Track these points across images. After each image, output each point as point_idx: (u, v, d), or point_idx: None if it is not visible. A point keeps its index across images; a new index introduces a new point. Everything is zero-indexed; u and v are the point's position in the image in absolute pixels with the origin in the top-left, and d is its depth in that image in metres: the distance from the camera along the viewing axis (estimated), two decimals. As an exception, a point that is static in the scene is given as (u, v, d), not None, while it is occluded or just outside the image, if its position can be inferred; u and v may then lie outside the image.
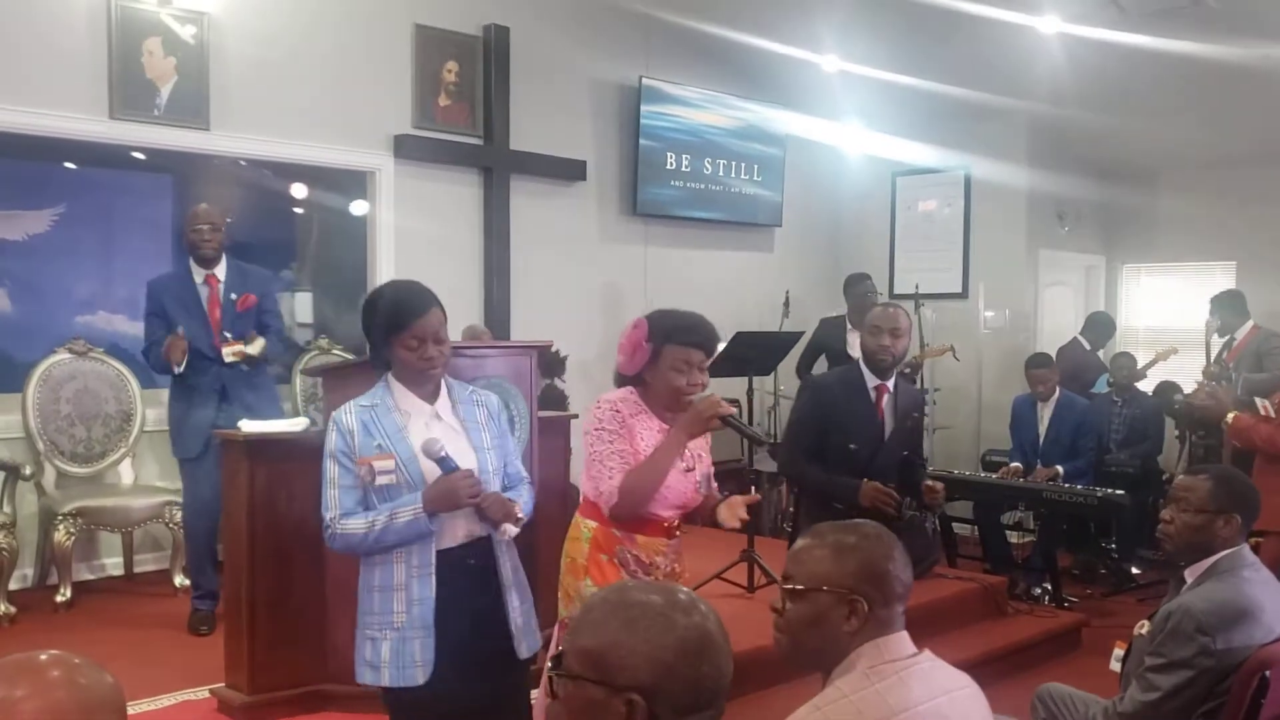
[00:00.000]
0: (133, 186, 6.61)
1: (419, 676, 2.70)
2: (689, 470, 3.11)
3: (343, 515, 2.71)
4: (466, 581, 2.80)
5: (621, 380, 3.17)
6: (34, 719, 1.31)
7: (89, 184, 6.40)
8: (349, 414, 2.76)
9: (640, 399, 3.10)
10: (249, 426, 4.00)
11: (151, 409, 5.94)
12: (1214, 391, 4.98)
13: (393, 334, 2.75)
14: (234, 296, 5.01)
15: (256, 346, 4.94)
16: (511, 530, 2.82)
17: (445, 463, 2.70)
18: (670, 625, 1.48)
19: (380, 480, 2.70)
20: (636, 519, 3.03)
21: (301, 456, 3.36)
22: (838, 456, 3.88)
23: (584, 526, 3.10)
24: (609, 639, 1.49)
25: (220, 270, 5.02)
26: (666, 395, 3.07)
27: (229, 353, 4.92)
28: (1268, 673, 2.67)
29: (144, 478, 5.89)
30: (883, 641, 2.00)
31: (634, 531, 3.05)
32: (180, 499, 5.46)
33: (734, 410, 3.10)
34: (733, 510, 3.13)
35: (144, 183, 6.66)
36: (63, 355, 5.67)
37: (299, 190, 7.51)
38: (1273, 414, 4.56)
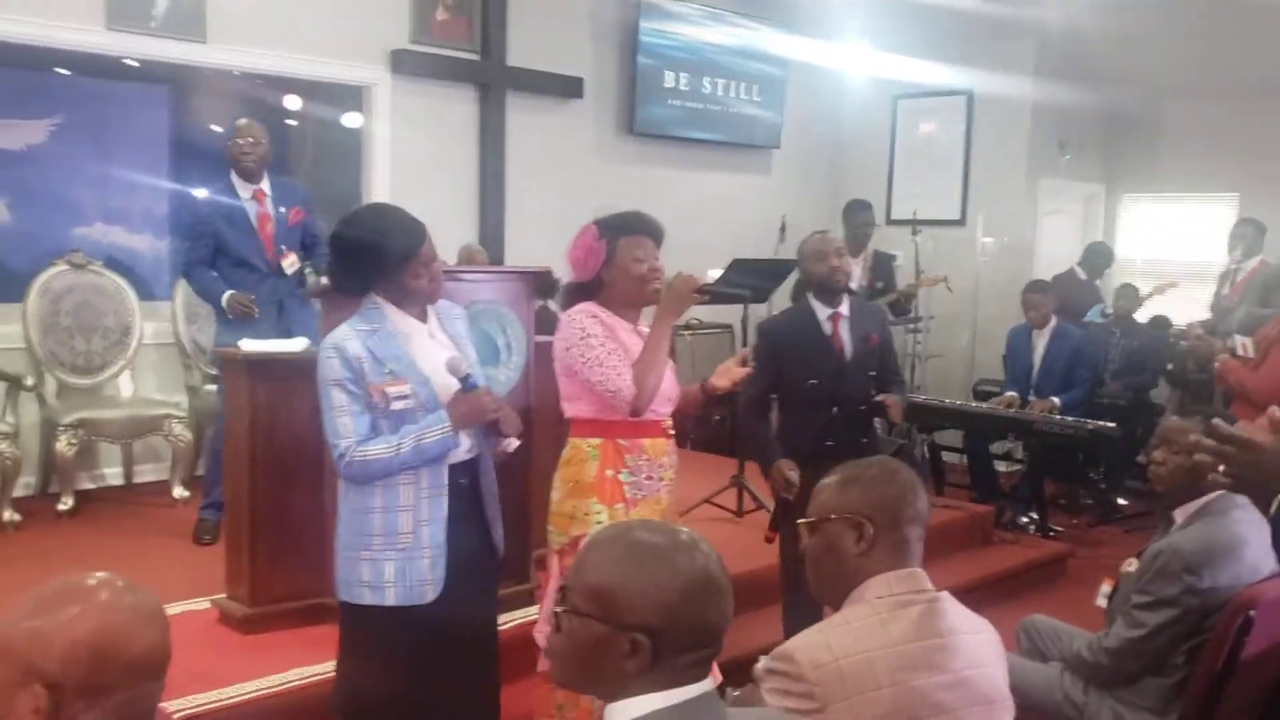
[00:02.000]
0: (129, 97, 6.52)
1: (428, 594, 2.73)
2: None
3: (359, 442, 2.69)
4: (463, 501, 2.84)
5: (574, 293, 3.15)
6: (89, 634, 1.46)
7: (85, 94, 6.31)
8: (352, 340, 2.73)
9: (601, 306, 3.10)
10: (249, 345, 4.01)
11: (150, 322, 5.96)
12: (1203, 335, 5.03)
13: (404, 262, 2.74)
14: (284, 210, 5.01)
15: (289, 264, 5.01)
16: (515, 442, 2.87)
17: (468, 380, 2.73)
18: (676, 566, 1.51)
19: (396, 405, 2.71)
20: (638, 424, 3.06)
21: (301, 375, 3.39)
22: (798, 395, 3.89)
23: (586, 446, 3.08)
24: (617, 578, 1.52)
25: (264, 185, 5.01)
26: (630, 287, 3.08)
27: (288, 265, 4.95)
28: (1251, 612, 2.73)
29: (143, 390, 5.91)
30: (894, 575, 2.07)
31: (638, 437, 3.08)
32: (178, 413, 5.55)
33: (708, 279, 3.12)
34: (722, 374, 3.23)
35: (141, 93, 6.57)
36: (62, 267, 5.65)
37: (293, 104, 7.42)
38: (1250, 354, 4.56)
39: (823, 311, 3.92)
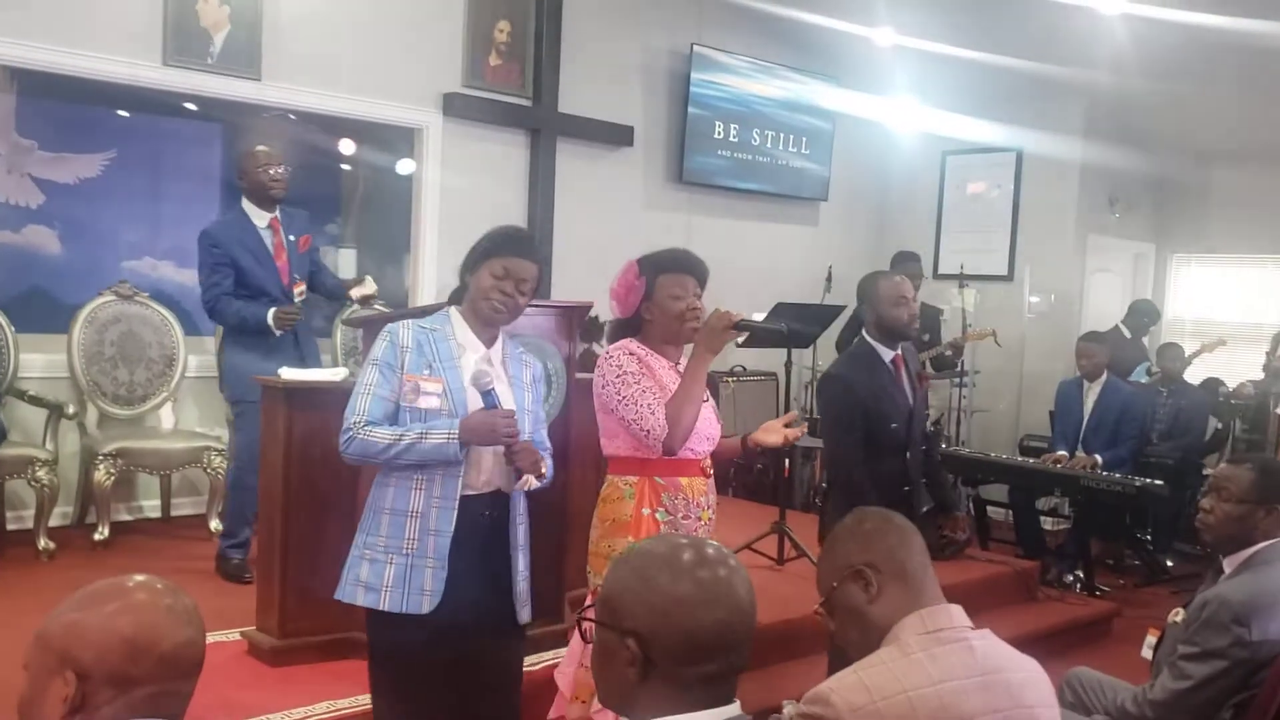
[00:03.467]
0: (183, 134, 6.65)
1: (425, 605, 2.69)
2: (705, 400, 3.12)
3: (367, 423, 2.69)
4: (480, 533, 2.80)
5: (618, 330, 3.15)
6: (124, 627, 1.54)
7: (140, 130, 6.44)
8: (406, 329, 2.76)
9: (642, 344, 3.09)
10: (288, 374, 4.02)
11: (194, 355, 6.00)
12: (1258, 384, 4.93)
13: (487, 257, 2.77)
14: (293, 238, 5.00)
15: (368, 288, 5.01)
16: (534, 483, 2.82)
17: (489, 396, 2.70)
18: (675, 574, 1.52)
19: (424, 402, 2.70)
20: (675, 462, 3.03)
21: (340, 406, 3.37)
22: (880, 439, 3.82)
23: (623, 484, 3.06)
24: (620, 585, 1.56)
25: (278, 213, 5.00)
26: (669, 324, 3.07)
27: (299, 293, 4.93)
28: (1303, 666, 2.64)
29: (184, 423, 5.95)
30: (928, 613, 2.01)
31: (676, 475, 3.05)
32: (218, 445, 5.55)
33: (744, 315, 3.06)
34: (770, 431, 3.19)
35: (194, 130, 6.70)
36: (108, 297, 5.72)
37: (346, 145, 7.53)
38: None
39: (885, 354, 3.87)
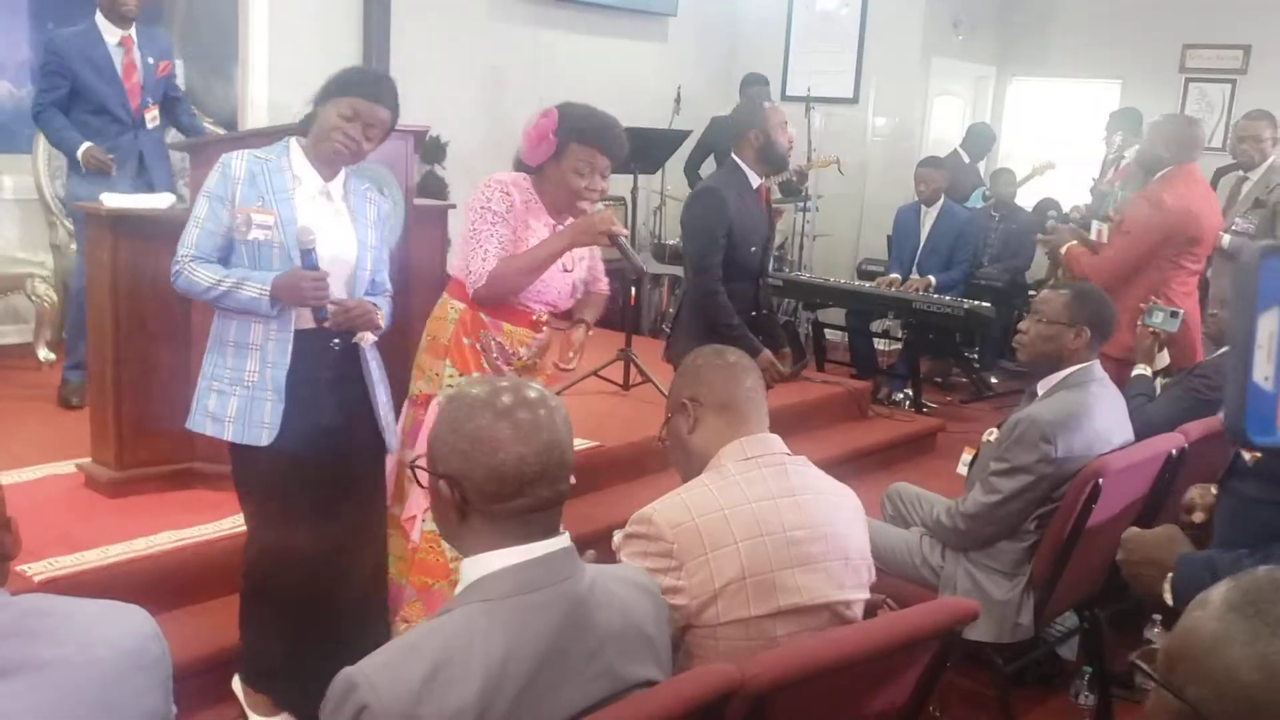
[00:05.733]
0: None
1: (263, 438, 2.71)
2: (566, 271, 3.09)
3: (194, 257, 2.66)
4: (330, 361, 2.80)
5: (518, 165, 3.09)
6: None
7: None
8: (240, 159, 2.69)
9: (533, 188, 3.04)
10: (111, 200, 3.84)
11: (10, 176, 5.65)
12: (1056, 225, 5.13)
13: (340, 94, 2.68)
14: (151, 61, 4.73)
15: None
16: (370, 338, 2.83)
17: (307, 257, 2.65)
18: (475, 416, 1.57)
19: (254, 234, 2.66)
20: (505, 307, 3.02)
21: (167, 234, 3.24)
22: (739, 263, 3.87)
23: (450, 307, 3.07)
24: (435, 430, 1.61)
25: (133, 32, 4.70)
26: (562, 194, 3.01)
27: (150, 118, 4.70)
28: (1100, 480, 2.86)
29: (4, 248, 5.65)
30: (747, 440, 2.14)
31: (501, 319, 3.04)
32: (42, 271, 5.31)
33: (625, 231, 3.06)
34: (562, 349, 3.16)
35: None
36: (-88, 115, 5.32)
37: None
38: (1104, 240, 4.65)
39: (754, 180, 3.89)
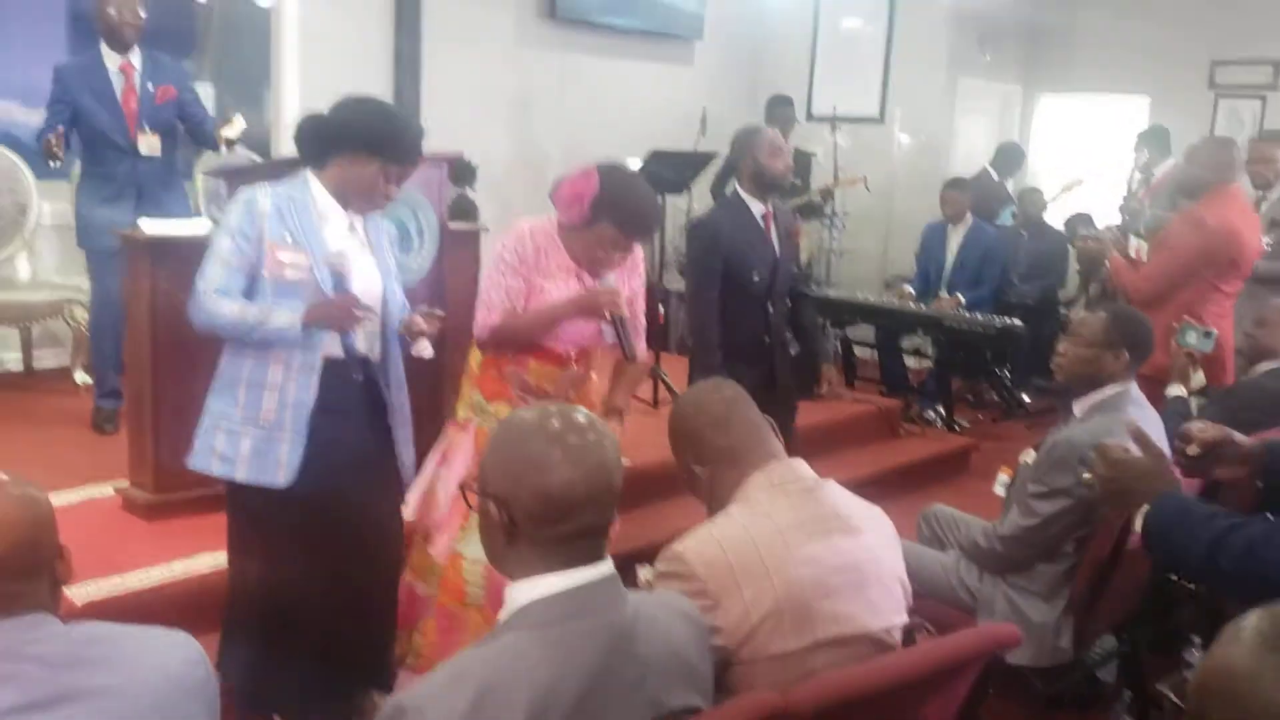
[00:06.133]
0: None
1: (280, 478, 2.68)
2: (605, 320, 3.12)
3: (217, 290, 2.63)
4: (352, 398, 2.79)
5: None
6: None
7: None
8: (264, 195, 2.66)
9: (558, 232, 3.08)
10: (150, 227, 3.88)
11: (49, 202, 5.73)
12: (1099, 234, 5.11)
13: (381, 156, 2.66)
14: (151, 87, 4.74)
15: (236, 128, 4.68)
16: (428, 348, 2.85)
17: (341, 281, 2.66)
18: (527, 440, 1.58)
19: (289, 275, 2.63)
20: (530, 345, 3.08)
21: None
22: (742, 290, 3.89)
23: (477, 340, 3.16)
24: (488, 453, 1.63)
25: (135, 58, 4.72)
26: (581, 254, 3.07)
27: (145, 146, 4.70)
28: (1138, 503, 2.83)
29: (42, 273, 5.73)
30: (772, 469, 2.13)
31: (526, 355, 3.09)
32: (80, 296, 5.36)
33: (625, 313, 3.08)
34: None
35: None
36: (-49, 144, 5.41)
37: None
38: (1143, 258, 4.64)
39: (756, 207, 3.92)
